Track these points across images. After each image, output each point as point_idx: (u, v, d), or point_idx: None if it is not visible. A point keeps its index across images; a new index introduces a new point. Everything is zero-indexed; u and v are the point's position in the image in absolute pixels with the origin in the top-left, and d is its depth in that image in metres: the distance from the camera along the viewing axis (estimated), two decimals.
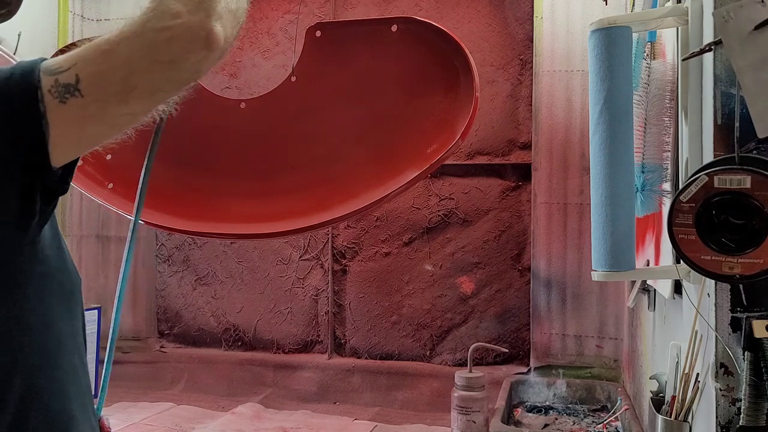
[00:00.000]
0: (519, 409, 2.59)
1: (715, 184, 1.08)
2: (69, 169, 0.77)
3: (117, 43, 0.72)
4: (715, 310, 1.14)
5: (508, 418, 2.45)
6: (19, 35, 0.91)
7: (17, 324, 0.76)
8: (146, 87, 0.73)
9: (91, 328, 2.85)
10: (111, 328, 1.11)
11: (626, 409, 2.24)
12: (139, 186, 1.06)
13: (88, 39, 0.76)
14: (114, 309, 1.09)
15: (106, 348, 1.10)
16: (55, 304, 0.82)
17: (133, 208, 2.14)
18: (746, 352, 1.09)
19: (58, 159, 0.74)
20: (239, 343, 3.43)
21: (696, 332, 1.28)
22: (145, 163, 1.05)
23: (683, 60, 1.25)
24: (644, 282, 2.09)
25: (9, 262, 0.76)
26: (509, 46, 3.08)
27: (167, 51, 0.72)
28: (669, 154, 1.39)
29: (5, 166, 0.72)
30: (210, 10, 0.73)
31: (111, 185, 2.17)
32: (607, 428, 2.28)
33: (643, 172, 1.39)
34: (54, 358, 0.81)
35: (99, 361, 2.86)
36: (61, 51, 0.93)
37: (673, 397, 1.36)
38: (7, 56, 0.90)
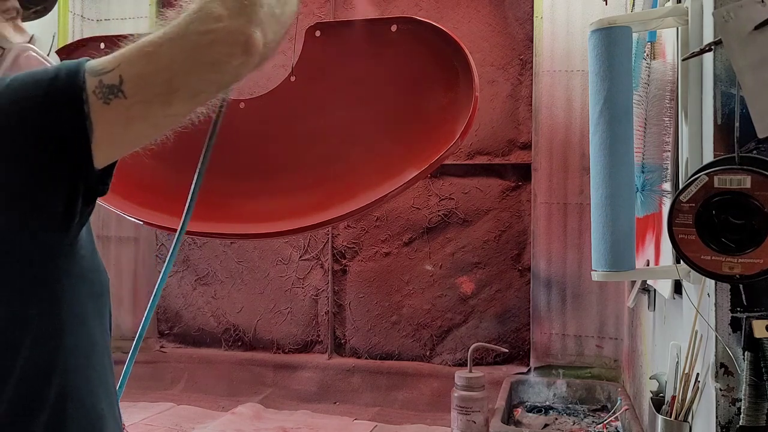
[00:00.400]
0: (519, 409, 2.59)
1: (715, 184, 1.08)
2: (108, 170, 0.78)
3: (160, 44, 0.73)
4: (715, 310, 1.14)
5: (508, 418, 2.45)
6: (54, 36, 0.90)
7: (57, 324, 0.77)
8: (188, 89, 0.74)
9: None
10: (140, 326, 1.11)
11: (626, 409, 2.24)
12: (191, 189, 1.05)
13: (122, 37, 0.76)
14: (147, 309, 1.10)
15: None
16: (89, 305, 0.83)
17: (131, 207, 2.13)
18: (746, 352, 1.09)
19: (100, 160, 0.74)
20: (239, 343, 3.42)
21: (696, 332, 1.28)
22: (199, 166, 1.05)
23: (683, 60, 1.25)
24: (644, 282, 2.09)
25: (50, 262, 0.76)
26: (509, 46, 3.08)
27: (209, 54, 0.73)
28: (669, 154, 1.39)
29: (53, 166, 0.72)
30: (251, 15, 0.74)
31: None
32: (607, 428, 2.28)
33: (643, 172, 1.39)
34: (88, 358, 0.82)
35: None
36: (63, 49, 0.94)
37: (673, 397, 1.36)
38: (41, 58, 0.90)
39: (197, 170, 1.04)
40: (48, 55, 0.91)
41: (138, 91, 0.72)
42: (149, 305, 1.08)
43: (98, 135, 0.72)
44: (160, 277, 1.09)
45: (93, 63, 0.73)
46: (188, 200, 1.06)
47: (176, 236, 1.07)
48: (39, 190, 0.72)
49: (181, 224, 1.06)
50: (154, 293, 1.09)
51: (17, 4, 0.90)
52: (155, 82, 0.72)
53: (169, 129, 0.78)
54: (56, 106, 0.71)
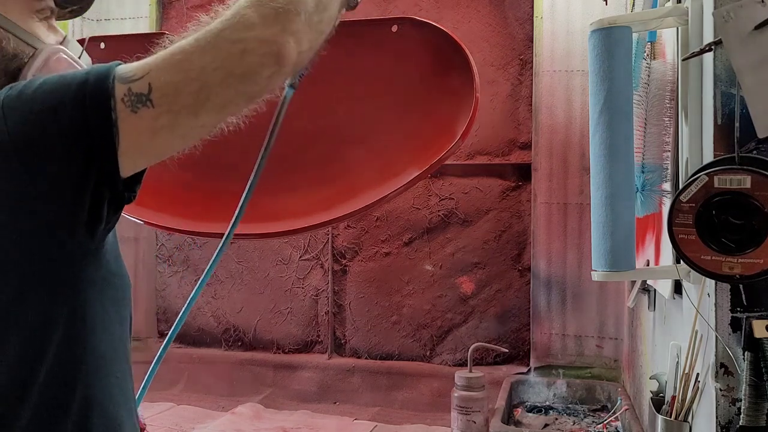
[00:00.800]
0: (519, 409, 2.59)
1: (715, 184, 1.08)
2: (137, 178, 0.77)
3: (190, 52, 0.71)
4: (715, 310, 1.14)
5: (508, 418, 2.45)
6: (87, 38, 0.88)
7: (82, 329, 0.77)
8: (218, 100, 0.72)
9: None
10: (171, 330, 1.10)
11: (626, 409, 2.24)
12: (244, 195, 1.04)
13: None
14: (181, 311, 1.09)
15: None
16: (111, 310, 0.82)
17: (131, 207, 2.13)
18: (746, 352, 1.09)
19: (126, 168, 0.73)
20: (239, 343, 3.42)
21: (696, 332, 1.28)
22: (255, 169, 1.03)
23: (683, 60, 1.25)
24: (644, 282, 2.09)
25: (75, 267, 0.76)
26: (509, 46, 3.08)
27: (240, 64, 0.71)
28: (669, 154, 1.39)
29: (79, 173, 0.71)
30: (286, 23, 0.72)
31: None
32: (607, 428, 2.28)
33: (643, 172, 1.39)
34: (109, 365, 0.82)
35: None
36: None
37: (673, 397, 1.36)
38: (71, 60, 0.89)
39: (252, 174, 1.03)
40: (79, 57, 0.90)
41: (166, 100, 0.71)
42: (183, 310, 1.07)
43: (124, 143, 0.71)
44: (201, 278, 1.08)
45: (123, 69, 0.72)
46: (240, 204, 1.05)
47: (223, 239, 1.05)
48: (64, 196, 0.71)
49: (229, 228, 1.04)
50: (191, 297, 1.08)
51: (52, 4, 0.88)
52: (184, 92, 0.71)
53: (197, 140, 0.77)
54: (83, 113, 0.70)
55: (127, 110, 0.70)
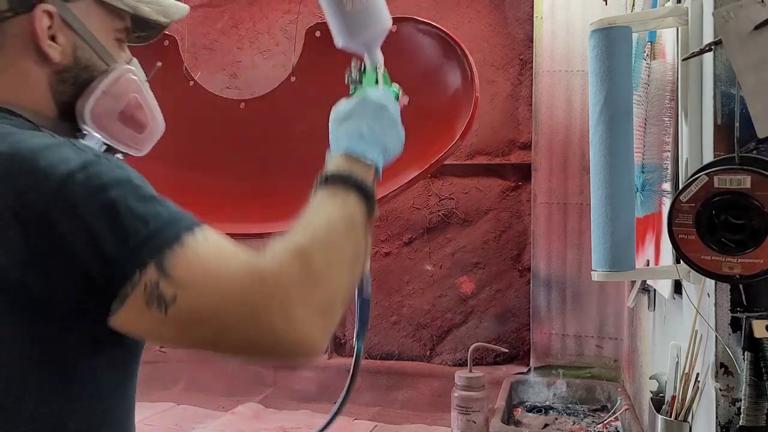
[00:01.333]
0: (519, 409, 2.59)
1: (715, 184, 1.08)
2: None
3: (225, 303, 0.65)
4: (715, 310, 1.14)
5: (508, 418, 2.45)
6: (157, 66, 0.86)
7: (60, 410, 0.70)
8: (226, 352, 0.69)
9: None
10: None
11: (626, 409, 2.24)
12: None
13: None
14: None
15: None
16: (112, 379, 0.76)
17: None
18: (746, 352, 1.09)
19: (116, 327, 0.68)
20: None
21: (696, 332, 1.28)
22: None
23: (683, 60, 1.25)
24: (644, 282, 2.09)
25: (65, 353, 0.70)
26: (509, 46, 3.08)
27: (267, 347, 0.66)
28: (669, 154, 1.39)
29: (75, 299, 0.66)
30: (329, 324, 0.69)
31: None
32: (607, 428, 2.28)
33: (643, 172, 1.39)
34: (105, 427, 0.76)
35: None
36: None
37: (673, 397, 1.36)
38: (139, 82, 0.88)
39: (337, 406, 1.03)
40: (148, 78, 0.92)
41: (180, 320, 0.65)
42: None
43: (122, 317, 0.66)
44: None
45: (171, 253, 0.65)
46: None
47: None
48: (57, 301, 0.67)
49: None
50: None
51: (129, 25, 0.89)
52: (198, 329, 0.66)
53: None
54: (107, 268, 0.65)
55: (141, 298, 0.64)
